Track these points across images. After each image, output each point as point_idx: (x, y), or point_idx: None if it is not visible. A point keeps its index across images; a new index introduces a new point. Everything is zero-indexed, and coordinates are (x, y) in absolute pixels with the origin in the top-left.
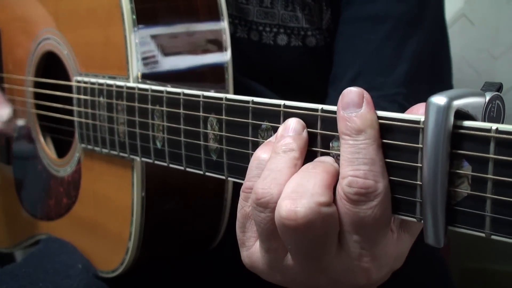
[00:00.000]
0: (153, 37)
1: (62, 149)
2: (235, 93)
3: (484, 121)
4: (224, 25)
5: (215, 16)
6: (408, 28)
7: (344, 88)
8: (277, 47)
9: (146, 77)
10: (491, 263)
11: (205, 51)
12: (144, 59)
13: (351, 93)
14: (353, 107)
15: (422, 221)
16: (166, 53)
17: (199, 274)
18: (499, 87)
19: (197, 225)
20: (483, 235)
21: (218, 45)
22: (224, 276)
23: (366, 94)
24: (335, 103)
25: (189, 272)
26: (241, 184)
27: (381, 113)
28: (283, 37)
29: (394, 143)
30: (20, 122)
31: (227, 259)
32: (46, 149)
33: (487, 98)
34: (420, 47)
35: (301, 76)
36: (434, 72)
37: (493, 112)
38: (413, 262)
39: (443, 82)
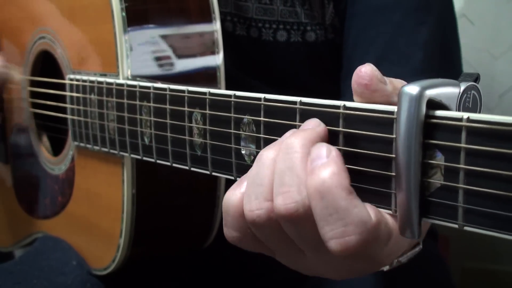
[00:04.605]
0: (144, 36)
1: (59, 148)
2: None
3: (459, 111)
4: (216, 26)
5: (207, 17)
6: (419, 15)
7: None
8: (277, 43)
9: (136, 76)
10: (491, 263)
11: (197, 52)
12: (134, 58)
13: (321, 149)
14: (320, 159)
15: (397, 213)
16: (157, 53)
17: (193, 272)
18: (476, 78)
19: (189, 223)
20: (456, 226)
21: (210, 47)
22: (218, 274)
23: (334, 151)
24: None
25: (183, 270)
26: (232, 180)
27: (355, 104)
28: (282, 33)
29: (368, 134)
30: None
31: (222, 257)
32: (42, 147)
33: (462, 88)
34: (432, 33)
35: (301, 73)
36: (446, 58)
37: (469, 103)
38: (412, 262)
39: (454, 68)
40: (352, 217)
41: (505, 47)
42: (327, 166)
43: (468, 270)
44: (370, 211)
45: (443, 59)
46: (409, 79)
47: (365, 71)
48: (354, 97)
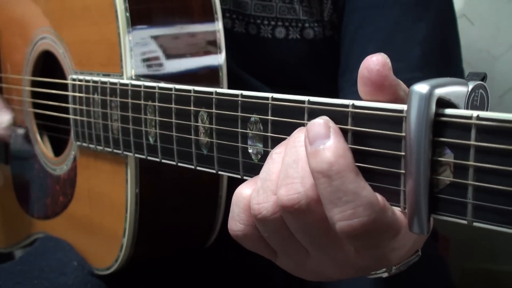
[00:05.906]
0: (147, 36)
1: (59, 148)
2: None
3: (467, 109)
4: (218, 26)
5: (210, 17)
6: (417, 11)
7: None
8: (275, 40)
9: (140, 76)
10: (491, 263)
11: (200, 52)
12: (137, 58)
13: (316, 125)
14: (321, 139)
15: (406, 209)
16: (160, 53)
17: (195, 271)
18: (483, 77)
19: (192, 222)
20: (465, 222)
21: (212, 46)
22: (219, 275)
23: (331, 123)
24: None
25: (185, 270)
26: (235, 179)
27: (364, 103)
28: (281, 30)
29: (377, 132)
30: (20, 130)
31: (223, 257)
32: (43, 148)
33: (470, 87)
34: (430, 29)
35: (299, 70)
36: (445, 55)
37: (477, 101)
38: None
39: (453, 65)
40: (361, 199)
41: (505, 47)
42: (331, 148)
43: (468, 270)
44: (376, 194)
45: (442, 56)
46: (407, 75)
47: (377, 58)
48: (360, 87)
